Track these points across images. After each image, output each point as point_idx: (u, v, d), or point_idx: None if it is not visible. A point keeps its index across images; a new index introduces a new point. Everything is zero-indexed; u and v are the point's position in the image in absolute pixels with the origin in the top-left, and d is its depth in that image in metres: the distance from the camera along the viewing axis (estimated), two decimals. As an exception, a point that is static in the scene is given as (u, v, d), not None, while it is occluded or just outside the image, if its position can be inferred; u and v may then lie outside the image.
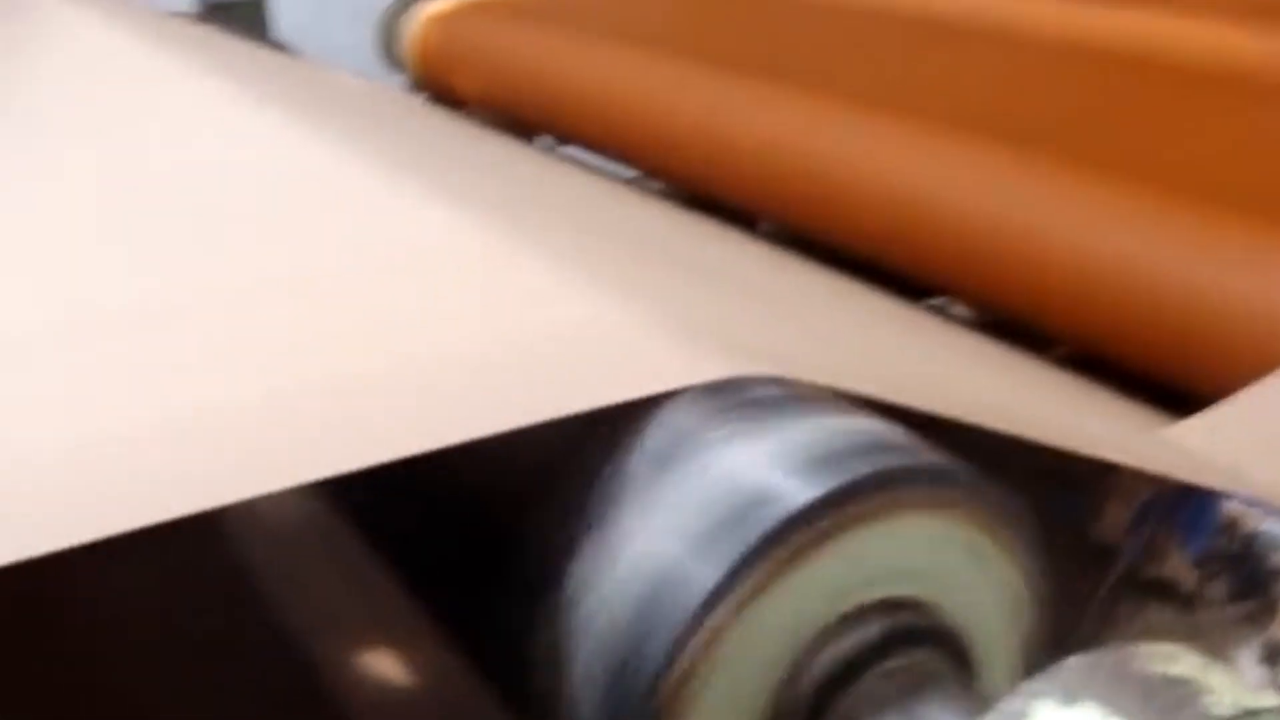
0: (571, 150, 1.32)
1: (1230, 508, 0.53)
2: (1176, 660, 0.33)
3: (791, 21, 1.09)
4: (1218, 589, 0.53)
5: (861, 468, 0.38)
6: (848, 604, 0.38)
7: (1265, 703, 0.32)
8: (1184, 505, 0.55)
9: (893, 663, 0.38)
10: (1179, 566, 0.54)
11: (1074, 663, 0.33)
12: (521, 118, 1.36)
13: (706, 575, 0.36)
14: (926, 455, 0.40)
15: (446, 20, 1.47)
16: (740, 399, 0.41)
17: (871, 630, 0.38)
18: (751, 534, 0.37)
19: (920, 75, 0.98)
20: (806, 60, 1.06)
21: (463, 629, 0.47)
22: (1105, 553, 0.57)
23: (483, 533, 0.45)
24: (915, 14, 1.01)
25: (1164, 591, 0.54)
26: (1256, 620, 0.52)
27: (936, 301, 0.96)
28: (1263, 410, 0.56)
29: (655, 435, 0.41)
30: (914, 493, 0.39)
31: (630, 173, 1.24)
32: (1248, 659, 0.51)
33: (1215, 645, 0.51)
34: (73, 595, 0.63)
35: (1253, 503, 0.53)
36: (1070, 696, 0.32)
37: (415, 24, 1.49)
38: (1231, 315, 0.71)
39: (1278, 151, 0.74)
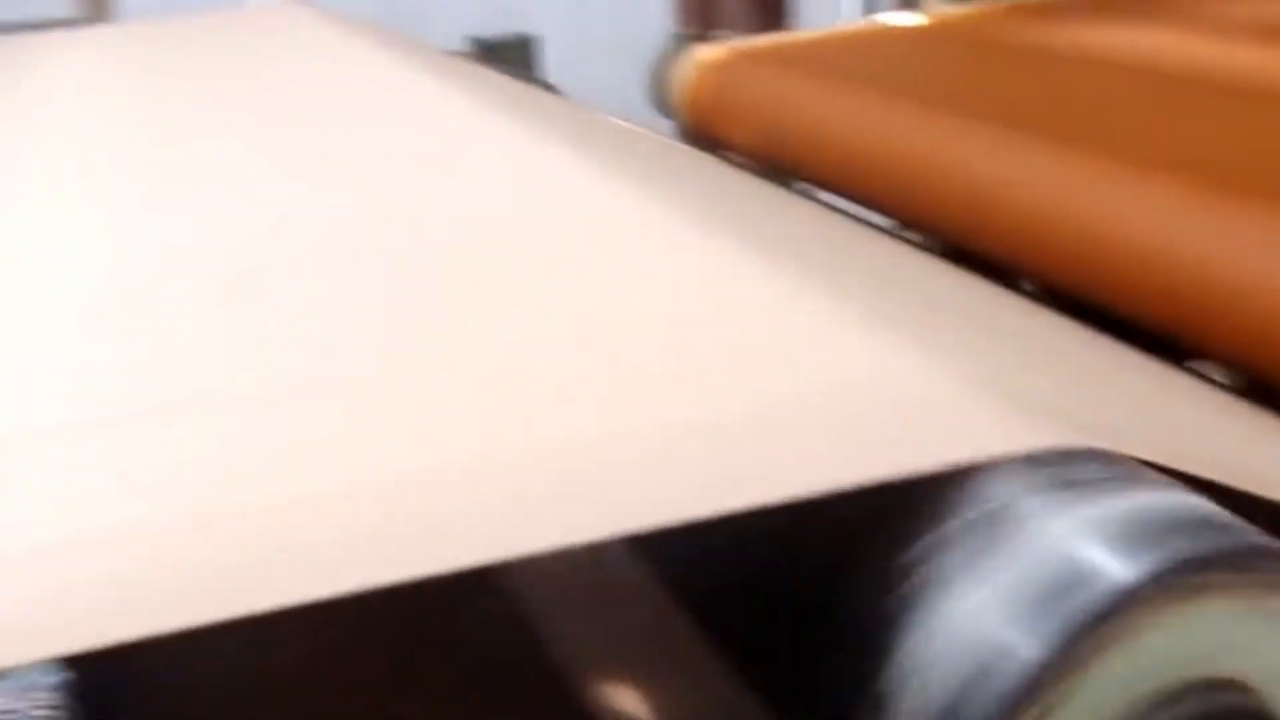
0: (827, 197, 1.33)
1: None
2: None
3: (1064, 79, 1.09)
4: None
5: (1186, 545, 0.39)
6: (1169, 682, 0.39)
7: None
8: None
9: None
10: None
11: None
12: (783, 165, 1.37)
13: (1031, 652, 0.37)
14: (1251, 534, 0.40)
15: (717, 67, 1.50)
16: (1061, 471, 0.42)
17: (1192, 709, 0.39)
18: (1076, 610, 0.37)
19: (1192, 136, 0.97)
20: (1077, 118, 1.05)
21: (772, 694, 0.48)
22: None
23: (794, 595, 0.46)
24: (1190, 74, 1.00)
25: None
26: None
27: (1193, 364, 0.94)
28: None
29: (974, 505, 0.42)
30: (1239, 572, 0.39)
31: (886, 222, 1.24)
32: None
33: None
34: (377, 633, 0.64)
35: None
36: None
37: (686, 69, 1.52)
38: None
39: None
